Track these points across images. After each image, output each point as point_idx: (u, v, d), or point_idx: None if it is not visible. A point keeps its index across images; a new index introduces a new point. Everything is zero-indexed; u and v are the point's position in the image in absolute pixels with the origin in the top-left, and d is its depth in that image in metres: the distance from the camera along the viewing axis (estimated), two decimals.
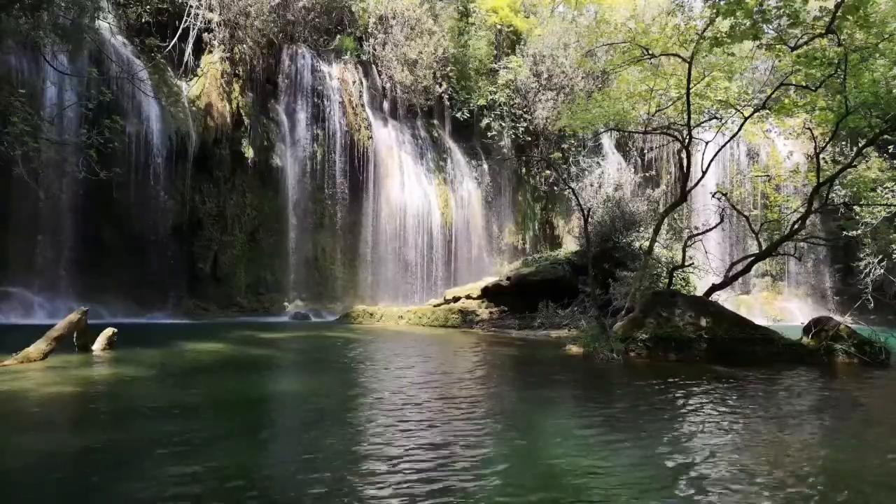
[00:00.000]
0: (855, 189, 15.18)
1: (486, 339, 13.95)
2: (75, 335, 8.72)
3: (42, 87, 15.55)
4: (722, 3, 10.41)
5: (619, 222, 17.89)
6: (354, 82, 23.50)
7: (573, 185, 18.37)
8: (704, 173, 13.39)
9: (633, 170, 25.73)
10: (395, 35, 24.03)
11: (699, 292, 13.92)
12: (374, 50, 24.19)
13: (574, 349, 10.91)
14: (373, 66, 24.31)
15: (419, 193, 23.93)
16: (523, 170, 27.53)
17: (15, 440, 4.56)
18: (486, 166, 26.64)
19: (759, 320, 13.96)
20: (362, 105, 23.50)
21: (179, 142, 18.55)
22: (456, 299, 18.78)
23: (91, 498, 3.48)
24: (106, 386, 6.91)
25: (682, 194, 13.72)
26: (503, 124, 26.28)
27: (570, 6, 28.32)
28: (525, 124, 26.34)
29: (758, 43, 11.40)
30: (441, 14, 25.86)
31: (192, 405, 5.87)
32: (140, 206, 17.66)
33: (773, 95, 12.43)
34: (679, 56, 12.42)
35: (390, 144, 23.89)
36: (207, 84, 19.93)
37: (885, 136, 14.26)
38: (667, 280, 13.95)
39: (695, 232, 14.97)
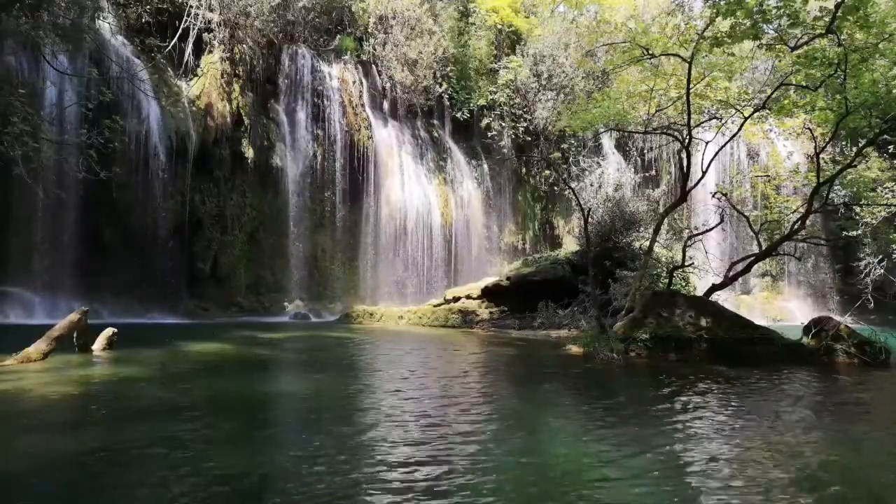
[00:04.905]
0: (855, 189, 15.15)
1: (486, 339, 13.95)
2: (75, 335, 8.71)
3: (42, 87, 15.54)
4: (722, 3, 10.41)
5: (619, 222, 17.88)
6: (354, 82, 23.50)
7: (573, 185, 18.34)
8: (704, 173, 13.39)
9: (633, 170, 25.70)
10: (395, 35, 24.02)
11: (699, 292, 13.91)
12: (374, 50, 24.19)
13: (574, 349, 10.92)
14: (373, 66, 24.30)
15: (419, 193, 23.92)
16: (523, 170, 27.53)
17: (15, 441, 4.56)
18: (486, 166, 26.63)
19: (759, 320, 13.94)
20: (362, 105, 23.50)
21: (179, 142, 18.54)
22: (456, 299, 18.78)
23: (91, 499, 3.47)
24: (106, 386, 6.91)
25: (682, 194, 13.72)
26: (503, 124, 26.28)
27: (571, 6, 28.32)
28: (525, 124, 26.33)
29: (758, 43, 11.39)
30: (441, 14, 25.86)
31: (192, 406, 5.87)
32: (140, 206, 17.66)
33: (773, 95, 12.42)
34: (679, 56, 12.42)
35: (390, 144, 23.88)
36: (207, 84, 19.93)
37: (885, 136, 14.26)
38: (667, 280, 13.95)
39: (695, 232, 14.97)
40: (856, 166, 13.58)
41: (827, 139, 13.87)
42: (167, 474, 3.78)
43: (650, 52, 12.50)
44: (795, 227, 12.57)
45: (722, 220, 14.27)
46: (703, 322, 10.35)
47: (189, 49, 19.75)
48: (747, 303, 24.80)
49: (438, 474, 3.85)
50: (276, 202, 21.23)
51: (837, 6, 9.88)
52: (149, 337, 11.67)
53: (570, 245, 23.99)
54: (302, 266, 21.46)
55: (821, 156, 12.68)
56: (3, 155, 12.04)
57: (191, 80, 19.92)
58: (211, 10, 20.02)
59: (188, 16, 19.49)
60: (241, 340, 11.98)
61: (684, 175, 13.64)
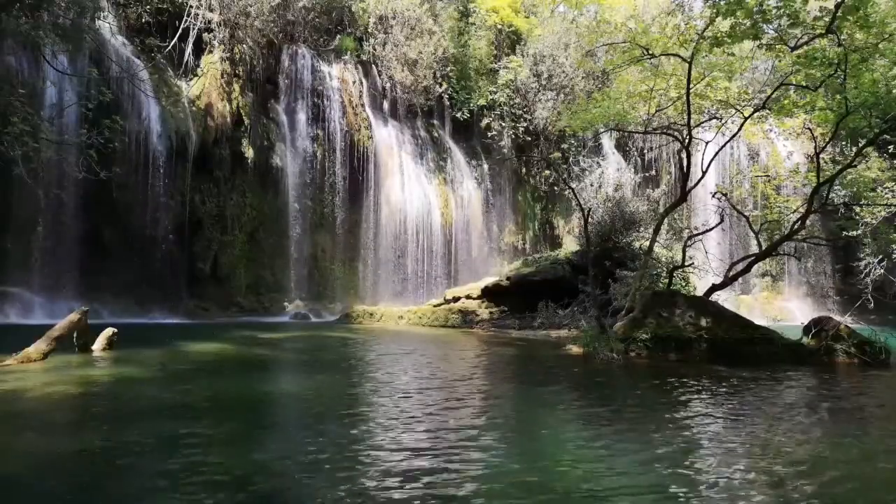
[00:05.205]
0: (855, 189, 15.15)
1: (486, 339, 13.95)
2: (75, 335, 8.71)
3: (42, 87, 15.54)
4: (722, 3, 10.42)
5: (619, 222, 17.88)
6: (354, 82, 23.50)
7: (573, 185, 18.35)
8: (704, 173, 13.39)
9: (633, 170, 25.72)
10: (395, 35, 24.02)
11: (699, 292, 13.91)
12: (374, 50, 24.19)
13: (574, 349, 10.91)
14: (373, 66, 24.30)
15: (419, 193, 23.92)
16: (523, 170, 27.53)
17: (15, 441, 4.56)
18: (486, 166, 26.63)
19: (759, 320, 13.94)
20: (362, 105, 23.50)
21: (179, 142, 18.54)
22: (456, 299, 18.78)
23: (91, 499, 3.47)
24: (106, 386, 6.91)
25: (682, 194, 13.72)
26: (503, 124, 26.28)
27: (571, 6, 28.32)
28: (525, 124, 26.33)
29: (758, 43, 11.40)
30: (441, 14, 25.86)
31: (192, 406, 5.87)
32: (140, 206, 17.67)
33: (773, 95, 12.42)
34: (679, 56, 12.42)
35: (390, 144, 23.88)
36: (207, 84, 19.93)
37: (885, 136, 14.25)
38: (667, 280, 13.95)
39: (695, 232, 14.97)
40: (856, 166, 13.58)
41: (827, 139, 13.87)
42: (167, 475, 3.78)
43: (650, 52, 12.51)
44: (795, 227, 12.57)
45: (722, 220, 14.27)
46: (703, 322, 10.35)
47: (189, 49, 19.75)
48: (747, 303, 24.80)
49: (440, 478, 3.84)
50: (276, 202, 21.23)
51: (837, 6, 9.88)
52: (149, 337, 11.68)
53: (570, 245, 23.99)
54: (302, 266, 21.46)
55: (821, 156, 12.68)
56: (3, 155, 12.04)
57: (191, 80, 19.92)
58: (211, 10, 20.03)
59: (188, 16, 19.48)
60: (241, 340, 11.98)
61: (684, 175, 13.64)
